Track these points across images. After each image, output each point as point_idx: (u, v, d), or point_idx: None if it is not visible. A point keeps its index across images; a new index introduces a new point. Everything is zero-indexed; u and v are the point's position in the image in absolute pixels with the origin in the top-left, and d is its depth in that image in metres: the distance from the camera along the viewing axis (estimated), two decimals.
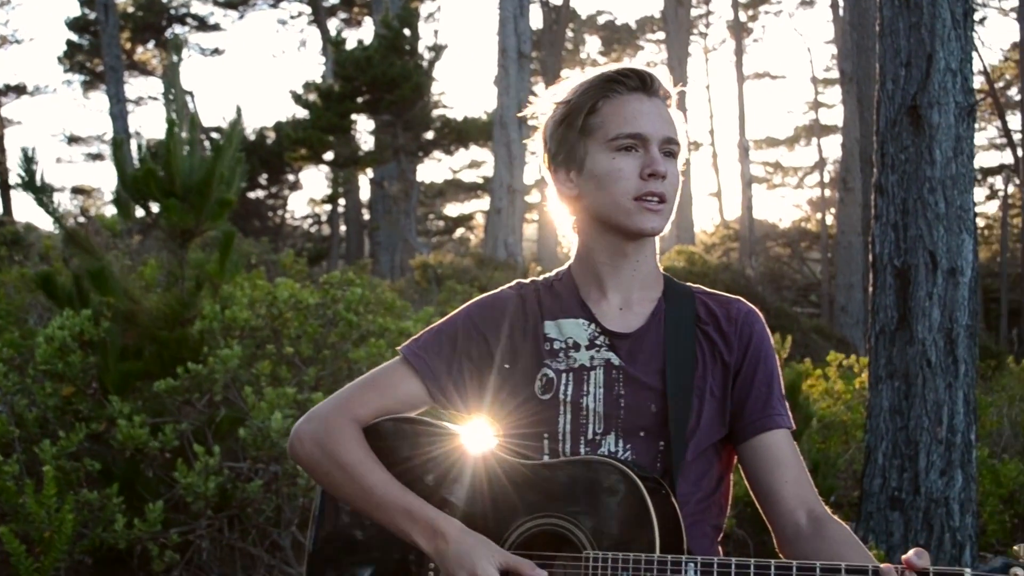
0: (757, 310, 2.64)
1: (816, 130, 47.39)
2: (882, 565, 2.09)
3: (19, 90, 42.53)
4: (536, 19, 37.46)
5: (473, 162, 42.99)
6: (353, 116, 26.28)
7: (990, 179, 38.23)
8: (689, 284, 2.70)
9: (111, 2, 30.51)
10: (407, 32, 25.31)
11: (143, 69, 41.65)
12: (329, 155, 26.97)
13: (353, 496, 2.53)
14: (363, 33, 42.86)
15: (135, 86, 42.55)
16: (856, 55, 21.08)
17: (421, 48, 27.08)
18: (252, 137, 33.31)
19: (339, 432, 2.56)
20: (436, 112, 31.82)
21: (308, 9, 42.65)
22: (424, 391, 2.62)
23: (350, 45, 25.44)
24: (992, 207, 38.59)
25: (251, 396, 5.54)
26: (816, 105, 48.72)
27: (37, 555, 4.69)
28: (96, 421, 5.54)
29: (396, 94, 24.46)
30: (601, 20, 47.04)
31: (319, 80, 31.51)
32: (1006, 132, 27.04)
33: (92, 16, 34.12)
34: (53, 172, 51.56)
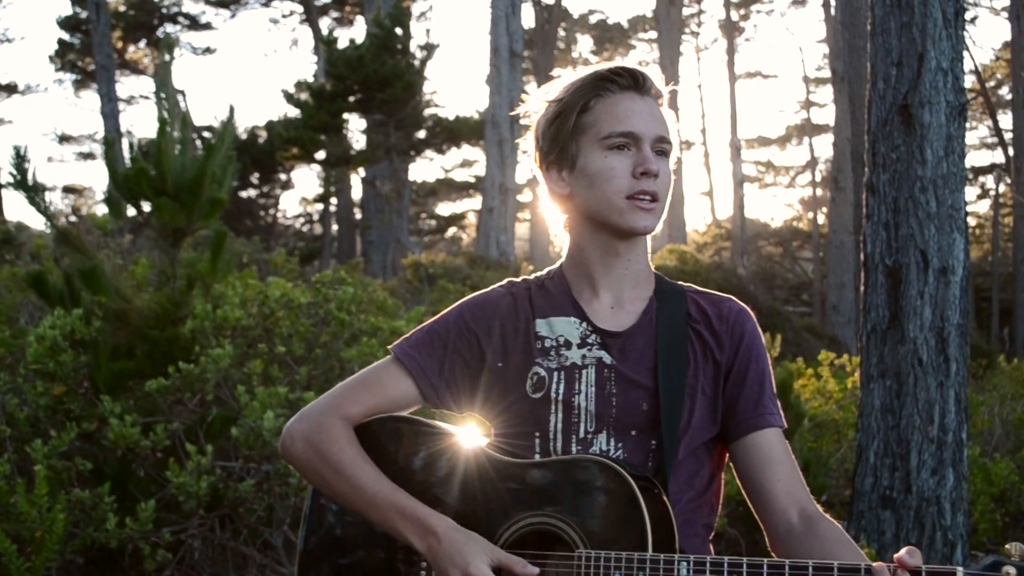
0: (748, 309, 2.65)
1: (808, 129, 47.41)
2: (874, 564, 2.10)
3: (10, 89, 42.48)
4: (528, 18, 37.49)
5: (465, 161, 42.96)
6: (345, 115, 26.24)
7: (981, 178, 38.28)
8: (680, 283, 2.70)
9: (102, 1, 30.44)
10: (399, 31, 25.29)
11: (135, 68, 41.56)
12: (321, 154, 26.93)
13: (344, 495, 2.53)
14: (355, 32, 42.81)
15: (127, 85, 42.45)
16: (848, 54, 21.08)
17: (413, 47, 27.07)
18: (244, 136, 33.30)
19: (330, 431, 2.56)
20: (428, 111, 31.78)
21: (300, 8, 42.58)
22: (416, 390, 2.62)
23: (342, 44, 25.40)
24: (983, 206, 38.65)
25: (244, 395, 5.53)
26: (808, 104, 48.76)
27: (28, 555, 4.68)
28: (87, 420, 5.53)
29: (388, 93, 24.43)
30: (593, 19, 46.99)
31: (311, 79, 31.46)
32: (997, 131, 27.07)
33: (83, 15, 34.06)
34: (44, 171, 51.56)
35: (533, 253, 31.02)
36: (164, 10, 40.76)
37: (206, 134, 32.88)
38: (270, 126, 30.63)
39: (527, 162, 2.69)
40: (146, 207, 6.18)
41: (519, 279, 2.73)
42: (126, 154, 6.47)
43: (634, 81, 2.53)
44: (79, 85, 41.91)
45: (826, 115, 50.01)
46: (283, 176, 38.20)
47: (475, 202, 39.30)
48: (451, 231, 44.14)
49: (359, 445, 2.56)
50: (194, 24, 42.21)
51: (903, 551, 2.08)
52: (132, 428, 5.28)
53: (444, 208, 44.94)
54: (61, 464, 5.28)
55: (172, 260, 6.21)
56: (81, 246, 6.07)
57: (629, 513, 2.29)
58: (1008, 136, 24.49)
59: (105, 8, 30.98)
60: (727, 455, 2.61)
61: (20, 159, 5.82)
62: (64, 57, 39.16)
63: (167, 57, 6.58)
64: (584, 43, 47.57)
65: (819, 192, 43.54)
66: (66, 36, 37.80)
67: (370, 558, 2.58)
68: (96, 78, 32.00)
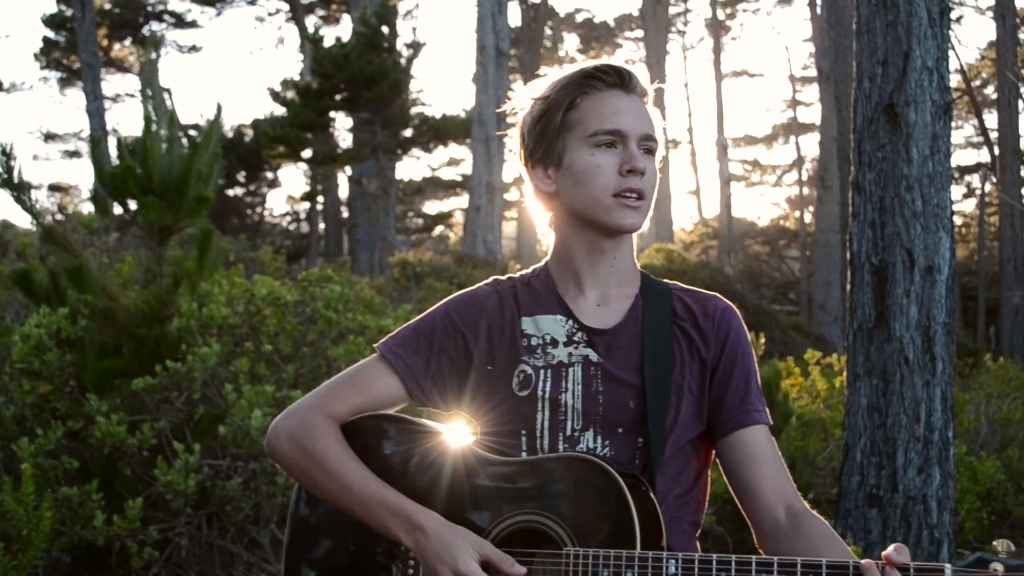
0: (734, 306, 2.65)
1: (794, 128, 47.47)
2: (863, 561, 2.10)
3: None
4: (515, 17, 37.47)
5: (452, 160, 42.99)
6: (331, 113, 26.22)
7: (967, 177, 38.37)
8: (666, 281, 2.70)
9: None
10: (385, 29, 25.29)
11: (120, 66, 41.45)
12: (307, 152, 26.91)
13: (331, 492, 2.52)
14: (341, 30, 42.74)
15: (112, 83, 42.37)
16: (833, 53, 21.14)
17: (399, 45, 27.05)
18: (230, 134, 33.27)
19: (316, 429, 2.56)
20: (415, 110, 31.78)
21: (286, 6, 42.52)
22: (402, 388, 2.61)
23: (328, 42, 25.39)
24: (969, 205, 38.74)
25: (231, 394, 5.52)
26: (794, 103, 48.84)
27: (15, 553, 4.67)
28: (74, 419, 5.52)
29: (374, 91, 24.42)
30: (580, 18, 47.02)
31: (297, 77, 31.45)
32: (983, 131, 27.11)
33: (69, 13, 33.92)
34: (30, 169, 51.51)
35: (520, 252, 31.06)
36: (150, 8, 40.67)
37: (192, 132, 32.83)
38: (256, 124, 30.61)
39: (514, 161, 2.69)
40: (132, 205, 6.16)
41: (504, 277, 2.73)
42: (112, 152, 6.43)
43: (620, 79, 2.54)
44: (64, 83, 41.79)
45: (812, 114, 50.19)
46: (270, 174, 38.17)
47: (462, 200, 39.27)
48: (438, 230, 44.13)
49: (345, 442, 2.55)
50: (180, 22, 42.12)
51: (891, 548, 2.08)
52: (119, 427, 5.26)
53: (431, 207, 44.98)
54: (48, 462, 5.27)
55: (158, 258, 6.20)
56: (67, 244, 6.06)
57: (617, 511, 2.29)
58: (994, 135, 24.53)
59: (90, 6, 30.90)
60: (713, 452, 2.62)
61: (5, 157, 5.80)
62: (49, 55, 39.03)
63: (153, 55, 6.57)
64: (571, 42, 47.61)
65: (805, 191, 43.59)
66: (51, 34, 37.68)
67: (357, 555, 2.58)
68: (81, 76, 31.92)
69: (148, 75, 6.32)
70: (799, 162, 46.45)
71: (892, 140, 6.51)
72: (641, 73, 2.58)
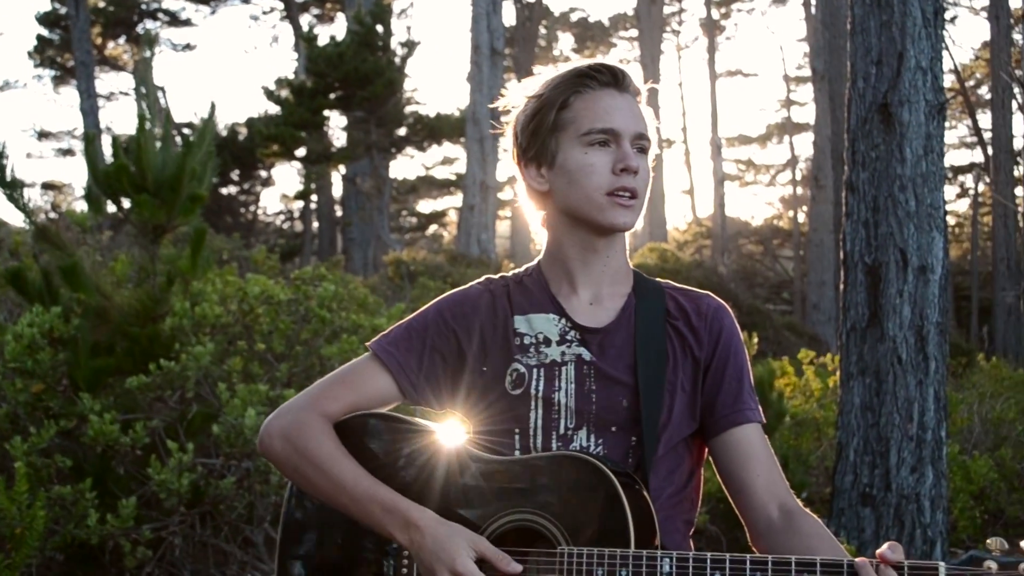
0: (726, 305, 2.65)
1: (788, 128, 47.51)
2: (857, 559, 2.11)
3: None
4: (509, 16, 37.47)
5: (446, 158, 43.03)
6: (325, 112, 26.22)
7: (961, 177, 38.50)
8: (658, 279, 2.70)
9: None
10: (379, 28, 25.26)
11: (114, 64, 41.40)
12: (301, 151, 26.89)
13: (324, 491, 2.52)
14: (335, 29, 42.65)
15: (106, 81, 42.36)
16: (828, 53, 21.18)
17: (394, 44, 27.06)
18: (224, 133, 33.22)
19: (309, 427, 2.55)
20: (409, 108, 31.81)
21: (280, 5, 42.50)
22: (395, 386, 2.61)
23: (322, 41, 25.39)
24: (963, 205, 38.86)
25: (224, 393, 5.52)
26: (788, 103, 48.89)
27: (8, 551, 4.67)
28: (67, 418, 5.51)
29: (368, 90, 24.41)
30: (574, 17, 47.06)
31: (291, 76, 31.38)
32: (976, 131, 27.17)
33: (63, 11, 33.92)
34: (23, 167, 51.37)
35: (514, 250, 31.08)
36: (144, 6, 40.59)
37: (186, 131, 32.75)
38: (250, 123, 30.62)
39: (507, 160, 2.69)
40: (126, 204, 6.15)
41: (497, 276, 2.72)
42: (106, 150, 6.42)
43: (614, 78, 2.54)
44: (58, 81, 41.71)
45: (806, 113, 50.33)
46: (263, 173, 38.14)
47: (456, 199, 39.33)
48: (432, 228, 44.13)
49: (338, 441, 2.55)
50: (174, 20, 42.06)
51: (885, 546, 2.09)
52: (112, 425, 5.26)
53: (425, 205, 44.98)
54: (41, 461, 5.26)
55: (152, 257, 6.19)
56: (60, 243, 6.05)
57: (611, 509, 2.29)
58: (987, 135, 24.59)
59: (84, 4, 30.87)
60: (706, 451, 2.62)
61: None
62: (43, 53, 38.95)
63: (147, 53, 6.56)
64: (565, 41, 47.68)
65: (799, 190, 43.67)
66: (45, 32, 37.60)
67: (351, 554, 2.57)
68: (75, 74, 31.86)
69: (142, 73, 6.32)
70: (793, 162, 46.53)
71: (886, 140, 6.52)
72: (634, 72, 2.58)
